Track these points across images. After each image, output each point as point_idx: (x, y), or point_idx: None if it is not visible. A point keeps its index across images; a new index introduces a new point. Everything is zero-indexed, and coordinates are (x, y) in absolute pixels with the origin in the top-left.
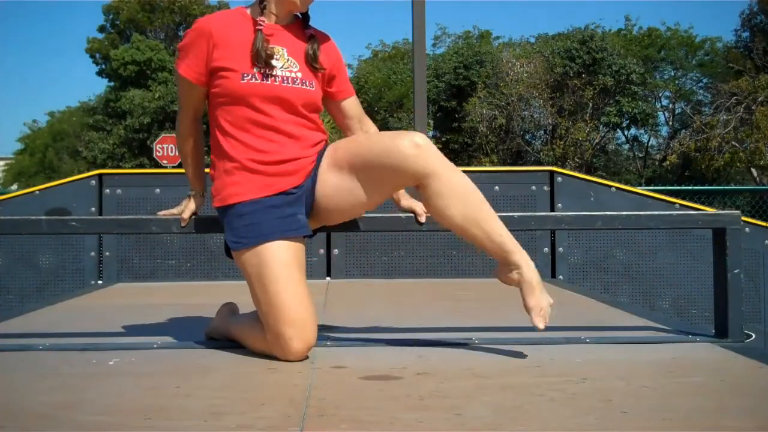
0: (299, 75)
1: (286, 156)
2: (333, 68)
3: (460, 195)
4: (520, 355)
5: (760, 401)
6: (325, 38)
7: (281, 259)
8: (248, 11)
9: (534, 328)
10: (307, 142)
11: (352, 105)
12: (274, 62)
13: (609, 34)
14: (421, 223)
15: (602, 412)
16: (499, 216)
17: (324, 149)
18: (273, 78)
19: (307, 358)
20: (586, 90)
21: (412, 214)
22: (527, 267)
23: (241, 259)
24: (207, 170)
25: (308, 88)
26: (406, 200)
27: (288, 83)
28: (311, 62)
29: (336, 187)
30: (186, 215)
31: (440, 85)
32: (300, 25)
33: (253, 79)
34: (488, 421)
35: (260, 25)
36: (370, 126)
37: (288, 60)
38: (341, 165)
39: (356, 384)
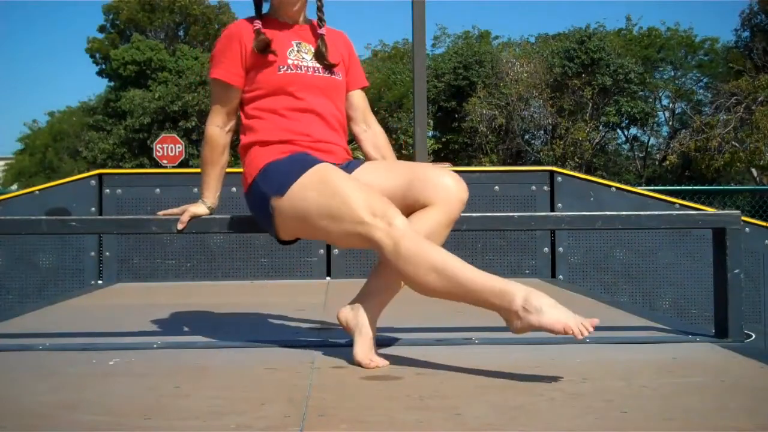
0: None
1: (322, 138)
2: (348, 60)
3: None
4: (520, 355)
5: (760, 401)
6: (337, 35)
7: (338, 170)
8: (271, 15)
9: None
10: (339, 133)
11: (360, 97)
12: (304, 55)
13: (608, 34)
14: None
15: (602, 412)
16: (499, 216)
17: (357, 160)
18: (306, 69)
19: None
20: (586, 90)
21: None
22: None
23: (294, 192)
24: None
25: (336, 77)
26: None
27: (319, 73)
28: (320, 59)
29: (369, 185)
30: (185, 218)
31: (440, 85)
32: (316, 25)
33: (289, 70)
34: (488, 420)
35: (257, 26)
36: (373, 122)
37: (315, 54)
38: (387, 170)
39: (356, 384)
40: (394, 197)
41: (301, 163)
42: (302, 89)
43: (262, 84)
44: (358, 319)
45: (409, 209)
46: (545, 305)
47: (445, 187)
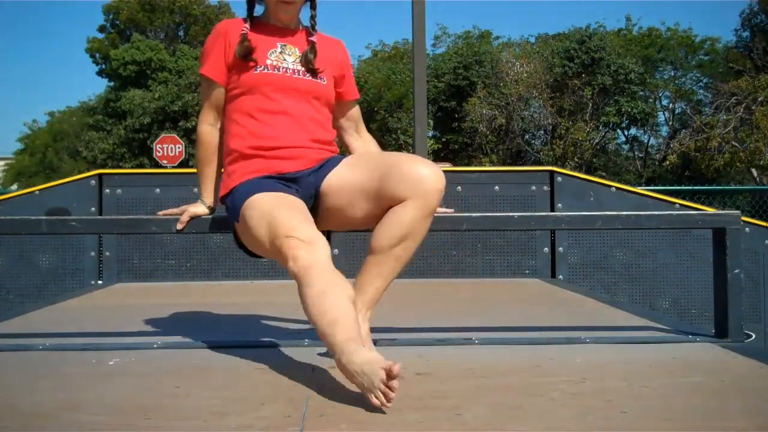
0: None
1: (288, 143)
2: (342, 69)
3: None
4: (520, 355)
5: (760, 401)
6: (335, 43)
7: (272, 193)
8: (263, 18)
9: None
10: (313, 134)
11: (352, 106)
12: (286, 57)
13: (608, 34)
14: None
15: (602, 412)
16: (499, 216)
17: (336, 157)
18: (285, 70)
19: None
20: (586, 90)
21: None
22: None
23: (242, 217)
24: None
25: (320, 81)
26: None
27: (299, 75)
28: (306, 64)
29: (344, 184)
30: (184, 218)
31: (440, 85)
32: (308, 31)
33: (266, 69)
34: (488, 421)
35: (244, 30)
36: (364, 132)
37: (300, 57)
38: (361, 166)
39: None
40: (368, 193)
41: (250, 192)
42: (277, 90)
43: (240, 83)
44: None
45: (386, 203)
46: (349, 376)
47: (420, 179)
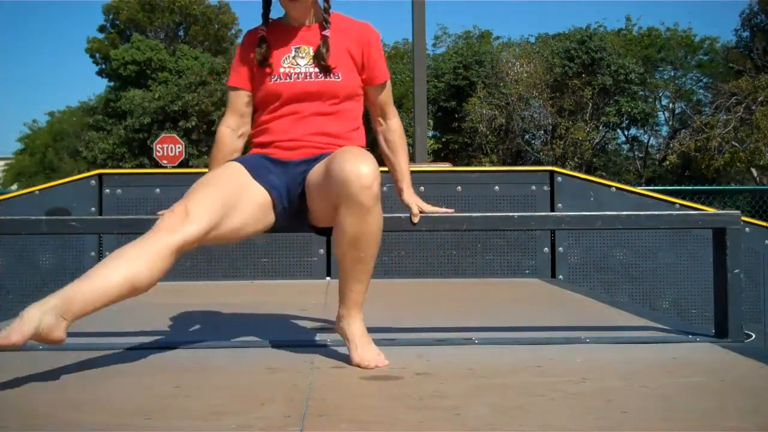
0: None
1: (288, 137)
2: (363, 54)
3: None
4: (520, 355)
5: (760, 401)
6: (357, 28)
7: (228, 169)
8: (283, 19)
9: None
10: (320, 127)
11: (376, 92)
12: (299, 61)
13: (608, 34)
14: (413, 224)
15: (602, 412)
16: (499, 216)
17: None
18: (296, 76)
19: (176, 246)
20: (586, 90)
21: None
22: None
23: None
24: None
25: (334, 79)
26: (409, 196)
27: (311, 78)
28: (318, 62)
29: (315, 180)
30: None
31: (440, 85)
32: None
33: (279, 79)
34: (488, 420)
35: (261, 32)
36: (390, 117)
37: (313, 57)
38: (323, 165)
39: (356, 384)
40: (323, 192)
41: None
42: (290, 96)
43: (258, 93)
44: (346, 325)
45: (333, 203)
46: None
47: (342, 182)
